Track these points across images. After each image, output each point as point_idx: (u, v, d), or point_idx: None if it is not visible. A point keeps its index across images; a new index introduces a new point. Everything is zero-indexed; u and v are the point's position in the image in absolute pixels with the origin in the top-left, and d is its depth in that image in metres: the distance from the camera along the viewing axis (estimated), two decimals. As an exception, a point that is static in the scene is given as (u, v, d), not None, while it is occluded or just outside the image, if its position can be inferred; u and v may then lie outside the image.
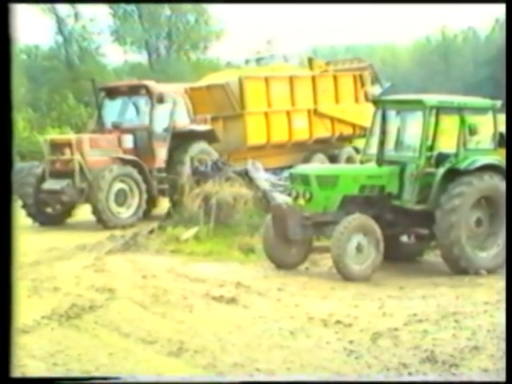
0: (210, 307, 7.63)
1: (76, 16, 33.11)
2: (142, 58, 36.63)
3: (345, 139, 18.35)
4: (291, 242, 9.65)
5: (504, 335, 6.40)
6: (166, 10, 34.86)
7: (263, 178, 13.25)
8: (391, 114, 10.15)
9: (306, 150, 17.23)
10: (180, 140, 14.38)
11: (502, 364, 5.71)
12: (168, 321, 7.11)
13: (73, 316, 7.16)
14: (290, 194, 10.14)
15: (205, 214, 12.19)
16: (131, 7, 33.91)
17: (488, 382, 5.36)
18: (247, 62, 19.62)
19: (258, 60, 19.47)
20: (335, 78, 17.88)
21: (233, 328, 6.82)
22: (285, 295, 8.17)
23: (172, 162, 14.25)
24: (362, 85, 18.26)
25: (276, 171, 14.87)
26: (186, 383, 5.47)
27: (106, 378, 5.16)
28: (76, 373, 5.53)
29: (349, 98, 17.83)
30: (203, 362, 5.83)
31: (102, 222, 13.10)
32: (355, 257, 9.08)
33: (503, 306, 7.57)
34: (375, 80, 19.52)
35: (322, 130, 17.51)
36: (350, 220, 9.16)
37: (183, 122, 14.58)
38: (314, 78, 17.42)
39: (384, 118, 9.95)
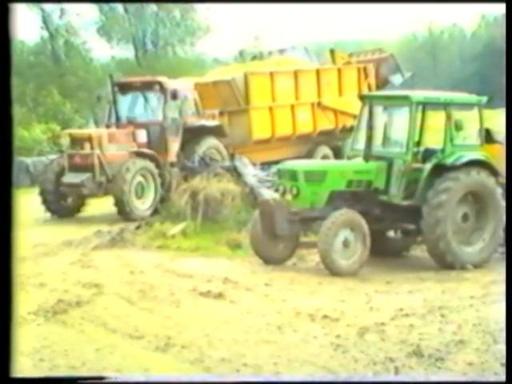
0: (197, 302, 7.63)
1: (62, 11, 32.88)
2: (128, 53, 36.46)
3: (348, 131, 18.48)
4: (278, 238, 9.66)
5: (489, 329, 6.48)
6: (152, 6, 34.70)
7: (251, 174, 13.26)
8: (378, 109, 10.17)
9: (311, 142, 17.47)
10: (191, 135, 14.66)
11: (487, 357, 5.76)
12: (155, 316, 7.10)
13: (59, 312, 7.13)
14: (277, 190, 10.14)
15: (192, 209, 12.18)
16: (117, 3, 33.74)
17: (488, 381, 5.38)
18: (270, 53, 19.83)
19: (281, 51, 19.65)
20: (339, 71, 18.06)
21: (220, 323, 6.82)
22: (272, 290, 8.18)
23: (184, 156, 14.45)
24: (366, 77, 18.42)
25: (264, 167, 14.92)
26: (187, 383, 5.45)
27: (105, 378, 5.14)
28: (62, 368, 5.51)
29: (352, 91, 17.92)
30: (190, 358, 5.82)
31: (125, 213, 13.16)
32: (342, 252, 9.10)
33: (489, 300, 7.66)
34: (396, 70, 19.74)
35: (326, 123, 17.69)
36: (338, 215, 9.18)
37: (194, 118, 14.90)
38: (318, 72, 17.59)
39: (371, 114, 9.97)
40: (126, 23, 34.75)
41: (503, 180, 9.93)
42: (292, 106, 16.92)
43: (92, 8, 33.95)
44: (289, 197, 9.53)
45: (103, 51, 37.13)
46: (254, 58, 20.18)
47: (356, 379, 5.46)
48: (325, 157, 17.18)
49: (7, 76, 3.95)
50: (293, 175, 9.61)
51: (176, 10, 35.44)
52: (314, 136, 17.52)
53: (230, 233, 11.37)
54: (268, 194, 11.76)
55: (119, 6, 34.26)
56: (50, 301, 7.48)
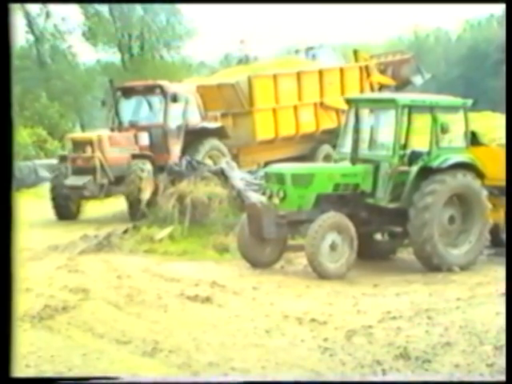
0: (184, 307, 7.60)
1: (47, 15, 32.74)
2: (114, 57, 36.35)
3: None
4: (266, 241, 9.66)
5: (476, 330, 6.52)
6: (138, 9, 34.64)
7: (238, 177, 13.24)
8: (364, 112, 10.21)
9: (314, 141, 17.73)
10: (193, 137, 14.93)
11: (473, 359, 5.79)
12: (142, 321, 7.06)
13: (45, 317, 7.06)
14: (264, 193, 10.14)
15: (179, 213, 12.15)
16: (103, 7, 33.62)
17: (488, 381, 5.41)
18: (297, 51, 20.07)
19: (307, 50, 19.85)
20: (341, 71, 18.28)
21: (208, 327, 6.80)
22: (260, 294, 8.18)
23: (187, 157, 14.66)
24: (368, 75, 18.62)
25: (251, 170, 14.99)
26: (189, 383, 5.43)
27: (105, 378, 5.11)
28: (49, 374, 5.46)
29: (354, 90, 18.14)
30: (178, 362, 5.80)
31: (138, 213, 13.24)
32: (329, 255, 9.12)
33: (475, 301, 7.70)
34: (417, 71, 20.25)
35: (328, 122, 17.89)
36: (325, 218, 9.19)
37: (195, 120, 15.15)
38: (320, 72, 17.82)
39: (357, 117, 10.00)
40: (111, 27, 34.64)
41: (490, 182, 10.02)
42: (295, 107, 17.19)
43: (77, 12, 33.84)
44: (276, 200, 9.54)
45: (89, 55, 37.02)
46: (240, 61, 20.27)
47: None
48: (327, 155, 17.41)
49: (8, 77, 3.95)
50: (280, 178, 9.62)
51: (162, 13, 35.40)
52: (317, 135, 17.75)
53: (217, 236, 11.35)
54: (255, 197, 11.75)
55: (105, 10, 34.16)
56: (36, 306, 7.41)
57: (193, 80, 19.13)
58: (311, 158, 16.76)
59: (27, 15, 32.03)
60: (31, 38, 32.78)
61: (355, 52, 19.62)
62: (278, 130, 16.80)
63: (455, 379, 5.44)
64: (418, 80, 20.12)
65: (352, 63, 19.06)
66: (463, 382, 5.41)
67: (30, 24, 32.34)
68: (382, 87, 19.14)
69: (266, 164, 14.95)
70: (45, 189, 18.48)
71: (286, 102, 16.95)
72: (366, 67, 18.71)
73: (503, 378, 5.33)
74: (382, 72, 19.42)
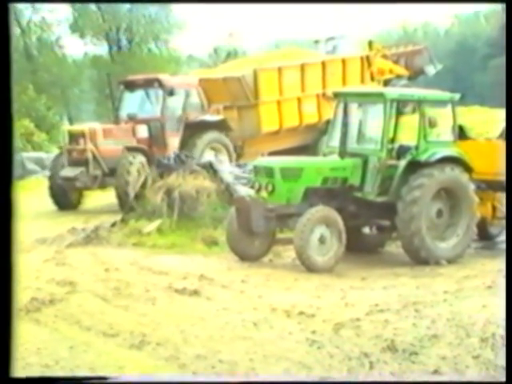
0: (172, 300, 7.59)
1: (34, 7, 32.52)
2: (102, 50, 36.17)
3: None
4: (254, 234, 9.65)
5: (462, 323, 6.56)
6: (126, 2, 34.49)
7: (227, 171, 13.22)
8: (353, 106, 10.22)
9: (317, 130, 17.88)
10: (193, 130, 15.08)
11: (459, 351, 5.83)
12: (130, 314, 7.05)
13: (32, 310, 7.04)
14: (252, 187, 10.14)
15: (168, 206, 12.12)
16: (91, -1, 33.42)
17: (489, 382, 5.43)
18: (317, 42, 20.18)
19: (328, 40, 19.97)
20: (343, 62, 18.38)
21: (196, 320, 6.80)
22: (248, 287, 8.17)
23: (184, 151, 14.74)
24: (369, 65, 18.71)
25: (240, 164, 15.01)
26: (188, 383, 5.42)
27: (105, 378, 5.09)
28: (35, 367, 5.44)
29: (355, 80, 18.27)
30: (165, 355, 5.79)
31: (126, 206, 13.22)
32: (318, 248, 9.13)
33: (462, 294, 7.75)
34: (429, 61, 20.56)
35: (330, 112, 17.93)
36: (314, 212, 9.20)
37: (196, 113, 15.28)
38: (323, 63, 17.95)
39: (346, 111, 10.01)
40: (99, 20, 34.46)
41: (478, 176, 10.07)
42: (299, 99, 17.36)
43: (64, 5, 33.63)
44: (264, 193, 9.54)
45: (77, 48, 36.83)
46: (229, 54, 20.28)
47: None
48: None
49: (8, 76, 3.95)
50: (269, 172, 9.61)
51: (150, 6, 35.25)
52: (320, 125, 17.84)
53: (206, 230, 11.34)
54: (244, 190, 11.74)
55: (92, 3, 33.95)
56: (23, 299, 7.36)
57: (198, 73, 19.29)
58: (314, 147, 16.97)
59: (13, 7, 31.76)
60: (18, 30, 32.55)
61: (370, 43, 19.77)
62: (283, 121, 17.04)
63: (442, 371, 5.46)
64: (430, 70, 20.43)
65: (353, 54, 19.15)
66: (465, 383, 5.43)
67: (17, 16, 32.10)
68: (390, 79, 19.27)
69: (271, 154, 15.11)
70: (32, 182, 18.42)
71: (289, 94, 17.15)
72: (367, 57, 18.82)
73: (489, 370, 5.38)
74: (395, 62, 19.60)
